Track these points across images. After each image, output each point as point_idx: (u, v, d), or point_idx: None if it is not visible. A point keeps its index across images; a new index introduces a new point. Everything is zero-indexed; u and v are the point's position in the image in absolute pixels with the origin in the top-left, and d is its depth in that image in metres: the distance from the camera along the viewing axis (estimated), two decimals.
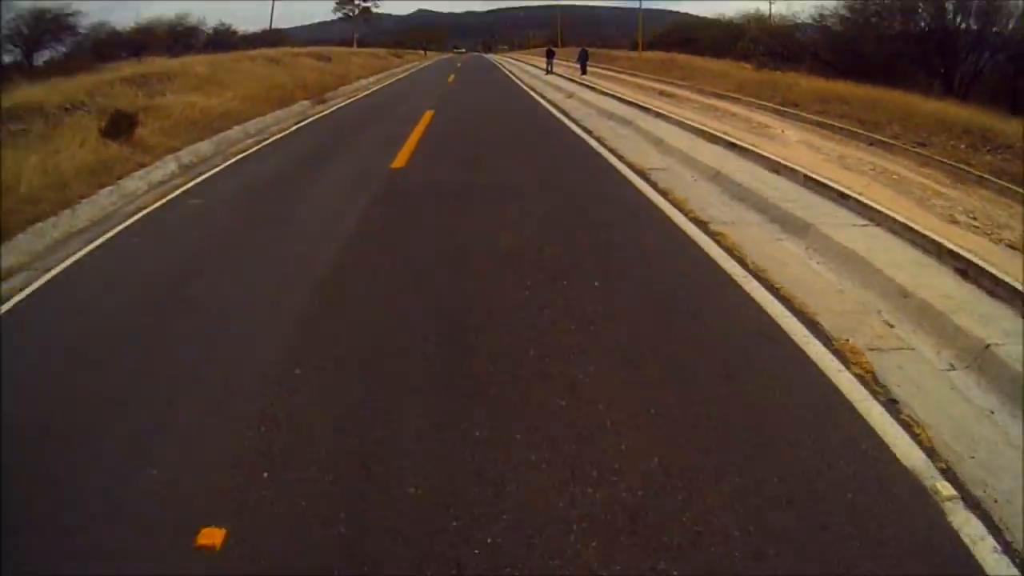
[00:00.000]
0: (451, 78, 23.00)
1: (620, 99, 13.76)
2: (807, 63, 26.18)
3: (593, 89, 16.69)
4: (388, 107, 14.17)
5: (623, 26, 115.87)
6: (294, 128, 11.07)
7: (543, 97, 15.57)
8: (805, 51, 27.47)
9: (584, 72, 22.36)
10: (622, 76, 21.93)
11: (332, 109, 14.29)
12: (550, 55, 23.57)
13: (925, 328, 3.25)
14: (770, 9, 37.84)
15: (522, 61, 44.11)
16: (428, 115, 11.47)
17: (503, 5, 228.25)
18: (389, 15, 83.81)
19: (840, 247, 4.26)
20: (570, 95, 15.59)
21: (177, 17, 39.50)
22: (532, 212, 5.30)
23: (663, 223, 5.07)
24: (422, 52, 71.85)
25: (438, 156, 8.05)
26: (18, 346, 3.25)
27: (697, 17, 45.96)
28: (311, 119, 12.45)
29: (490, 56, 77.57)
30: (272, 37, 48.35)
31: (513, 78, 23.36)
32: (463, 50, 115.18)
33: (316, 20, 65.09)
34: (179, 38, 36.50)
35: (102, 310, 3.70)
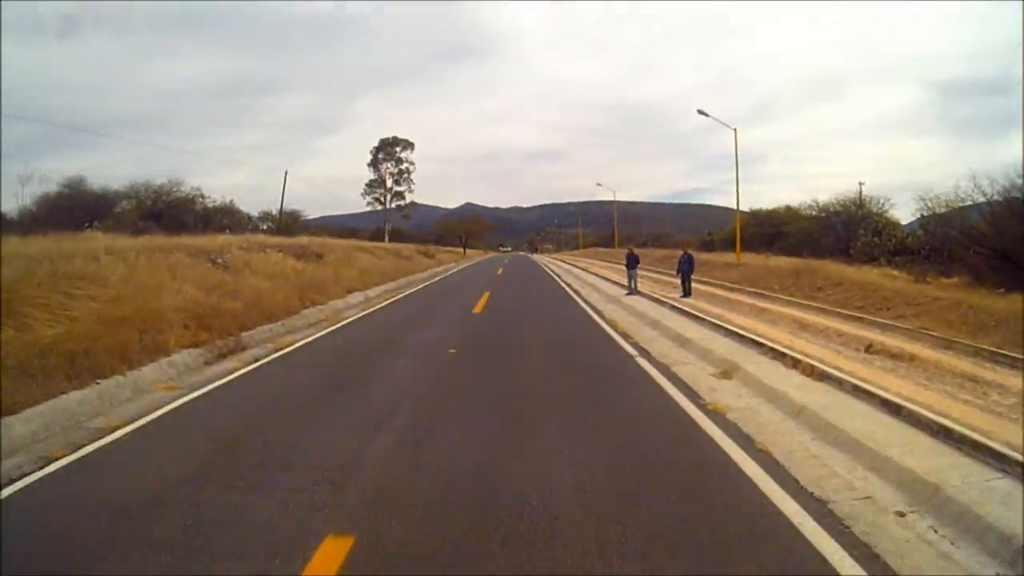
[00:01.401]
0: (483, 300, 15.05)
1: (884, 402, 4.97)
2: (962, 261, 17.93)
3: (752, 343, 8.11)
4: (321, 397, 5.80)
5: (675, 222, 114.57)
6: None
7: (670, 377, 6.96)
8: (951, 244, 19.31)
9: (688, 293, 14.29)
10: (752, 300, 13.70)
11: (207, 390, 6.09)
12: (632, 263, 15.94)
13: None
14: (860, 193, 30.97)
15: (576, 265, 37.27)
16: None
17: (548, 201, 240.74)
18: (436, 207, 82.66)
19: None
20: (728, 370, 6.94)
21: (170, 182, 32.19)
22: None
23: None
24: (461, 250, 67.89)
25: None
26: None
27: (769, 210, 39.60)
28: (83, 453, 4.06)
29: (536, 257, 72.30)
30: (286, 221, 44.20)
31: (579, 301, 15.12)
32: (508, 248, 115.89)
33: (361, 210, 62.86)
34: (168, 209, 29.75)
35: None
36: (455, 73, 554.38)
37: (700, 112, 22.02)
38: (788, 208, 36.91)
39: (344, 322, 11.63)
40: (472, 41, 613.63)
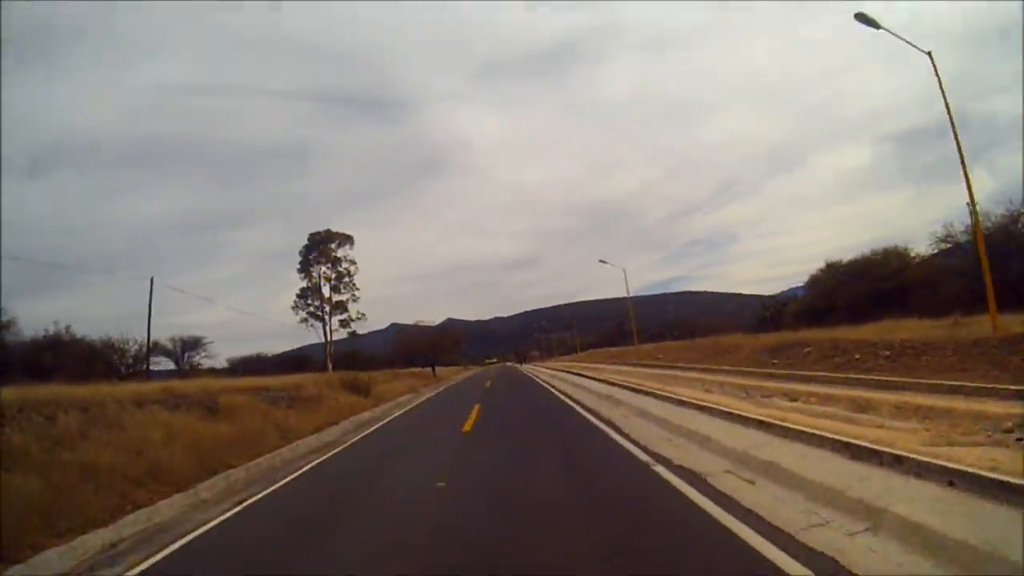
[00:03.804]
0: None
1: None
2: None
3: None
4: None
5: (658, 314, 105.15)
6: None
7: None
8: None
9: None
10: None
11: None
12: None
13: None
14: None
15: (612, 382, 18.42)
16: None
17: (527, 308, 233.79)
18: (423, 323, 67.37)
19: None
20: None
21: None
22: None
23: None
24: (430, 370, 53.94)
25: None
26: None
27: (849, 260, 30.77)
28: None
29: (527, 368, 58.81)
30: (145, 357, 32.83)
31: None
32: (494, 360, 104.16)
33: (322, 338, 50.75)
34: None
35: None
36: (423, 190, 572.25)
37: (860, 18, 13.10)
38: (884, 252, 26.83)
39: None
40: (434, 156, 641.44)
